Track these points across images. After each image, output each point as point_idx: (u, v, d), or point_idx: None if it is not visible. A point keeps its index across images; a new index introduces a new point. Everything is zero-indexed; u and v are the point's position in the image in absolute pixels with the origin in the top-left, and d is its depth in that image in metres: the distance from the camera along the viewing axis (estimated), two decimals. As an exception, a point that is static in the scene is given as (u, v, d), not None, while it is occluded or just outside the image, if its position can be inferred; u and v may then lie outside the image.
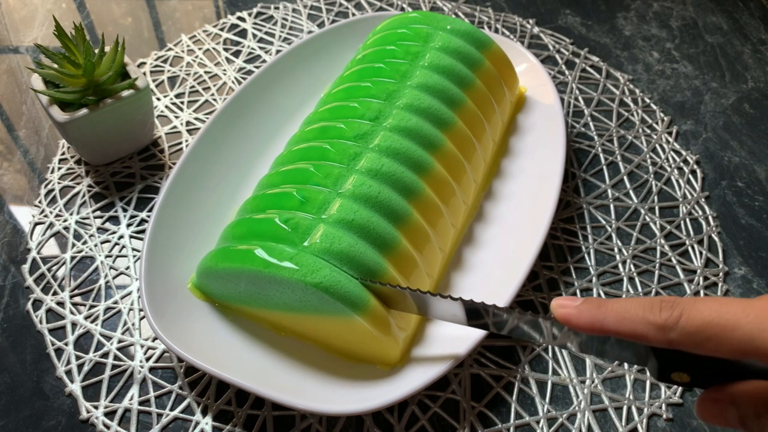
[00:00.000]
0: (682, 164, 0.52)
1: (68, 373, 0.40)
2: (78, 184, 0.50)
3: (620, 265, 0.45)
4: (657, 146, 0.54)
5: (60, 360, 0.40)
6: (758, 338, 0.21)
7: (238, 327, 0.39)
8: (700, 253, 0.46)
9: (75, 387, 0.39)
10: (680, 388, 0.39)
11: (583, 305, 0.26)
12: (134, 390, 0.39)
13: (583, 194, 0.50)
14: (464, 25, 0.48)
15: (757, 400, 0.23)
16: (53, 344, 0.41)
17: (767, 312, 0.22)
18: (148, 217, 0.47)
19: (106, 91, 0.46)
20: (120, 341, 0.41)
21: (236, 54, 0.60)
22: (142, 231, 0.47)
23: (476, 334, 0.37)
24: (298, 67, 0.54)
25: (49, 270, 0.45)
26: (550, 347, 0.41)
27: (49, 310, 0.43)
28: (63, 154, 0.52)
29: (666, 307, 0.23)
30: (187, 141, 0.53)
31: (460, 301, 0.32)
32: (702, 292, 0.44)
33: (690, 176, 0.52)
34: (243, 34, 0.63)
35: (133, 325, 0.42)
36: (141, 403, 0.39)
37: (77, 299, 0.43)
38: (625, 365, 0.40)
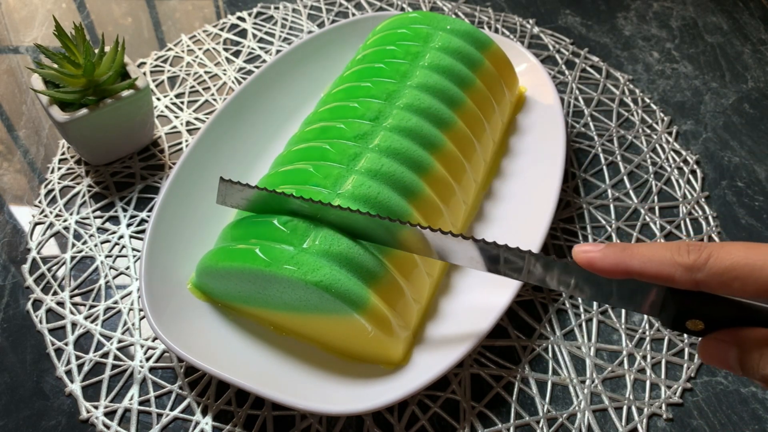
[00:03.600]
0: (682, 164, 0.52)
1: (68, 373, 0.40)
2: (78, 184, 0.50)
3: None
4: (657, 146, 0.54)
5: (60, 360, 0.40)
6: None
7: (238, 327, 0.39)
8: (700, 253, 0.46)
9: (75, 387, 0.39)
10: (680, 389, 0.39)
11: (608, 249, 0.26)
12: (134, 390, 0.39)
13: (583, 194, 0.50)
14: (464, 25, 0.48)
15: (763, 341, 0.24)
16: (53, 344, 0.41)
17: None
18: (148, 217, 0.47)
19: (106, 91, 0.46)
20: (120, 341, 0.41)
21: (236, 54, 0.60)
22: (142, 231, 0.47)
23: (476, 334, 0.37)
24: (298, 67, 0.54)
25: (49, 270, 0.45)
26: (550, 347, 0.41)
27: (49, 310, 0.43)
28: (63, 154, 0.52)
29: (694, 250, 0.24)
30: (187, 141, 0.53)
31: (473, 241, 0.32)
32: (702, 292, 0.44)
33: (690, 176, 0.52)
34: (243, 34, 0.63)
35: (133, 325, 0.42)
36: (141, 403, 0.39)
37: (77, 299, 0.43)
38: (625, 364, 0.40)
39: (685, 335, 0.42)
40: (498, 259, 0.32)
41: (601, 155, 0.53)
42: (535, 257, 0.30)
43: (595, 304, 0.43)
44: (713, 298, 0.25)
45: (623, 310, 0.43)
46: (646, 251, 0.25)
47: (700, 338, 0.26)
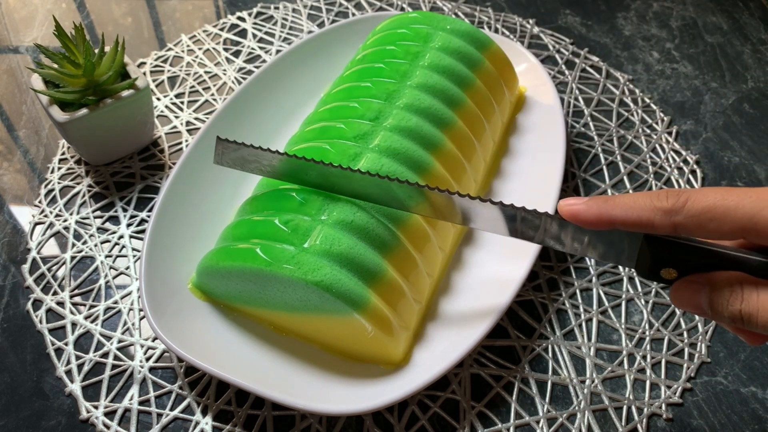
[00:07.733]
0: (682, 164, 0.52)
1: (68, 373, 0.40)
2: (78, 184, 0.50)
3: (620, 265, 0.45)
4: (657, 146, 0.54)
5: (60, 360, 0.40)
6: (758, 216, 0.24)
7: (238, 327, 0.39)
8: (700, 253, 0.46)
9: (75, 387, 0.39)
10: (680, 389, 0.39)
11: (591, 201, 0.27)
12: (134, 390, 0.39)
13: (583, 194, 0.50)
14: (464, 25, 0.48)
15: (733, 280, 0.26)
16: (53, 344, 0.41)
17: (767, 195, 0.24)
18: (148, 217, 0.47)
19: (106, 91, 0.46)
20: (120, 341, 0.41)
21: (236, 54, 0.60)
22: (142, 231, 0.47)
23: (476, 334, 0.37)
24: (298, 67, 0.54)
25: (49, 270, 0.45)
26: (550, 347, 0.41)
27: (49, 310, 0.43)
28: (63, 154, 0.52)
29: (672, 195, 0.26)
30: (187, 141, 0.53)
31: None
32: (702, 292, 0.44)
33: (690, 176, 0.52)
34: (243, 34, 0.63)
35: (133, 325, 0.42)
36: (141, 403, 0.39)
37: (77, 299, 0.43)
38: (625, 364, 0.40)
39: (685, 334, 0.42)
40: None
41: (601, 155, 0.53)
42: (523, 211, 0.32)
43: (595, 303, 0.43)
44: (686, 246, 0.27)
45: (623, 311, 0.43)
46: (627, 200, 0.26)
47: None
